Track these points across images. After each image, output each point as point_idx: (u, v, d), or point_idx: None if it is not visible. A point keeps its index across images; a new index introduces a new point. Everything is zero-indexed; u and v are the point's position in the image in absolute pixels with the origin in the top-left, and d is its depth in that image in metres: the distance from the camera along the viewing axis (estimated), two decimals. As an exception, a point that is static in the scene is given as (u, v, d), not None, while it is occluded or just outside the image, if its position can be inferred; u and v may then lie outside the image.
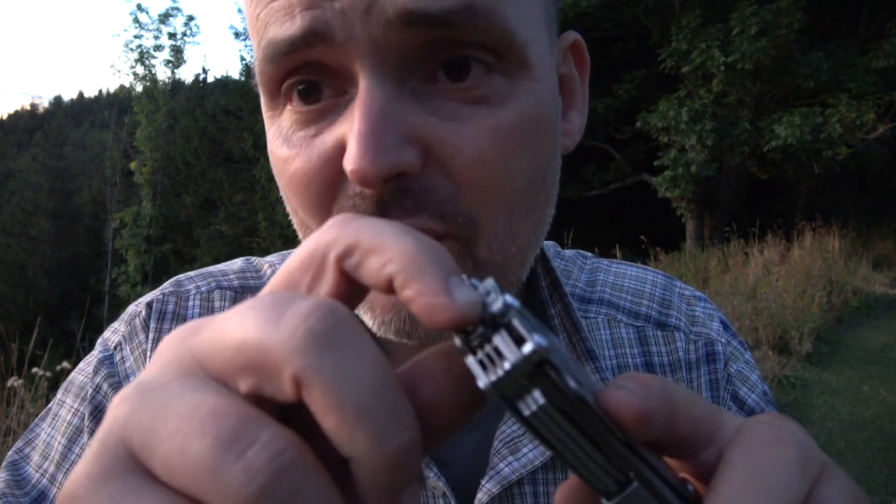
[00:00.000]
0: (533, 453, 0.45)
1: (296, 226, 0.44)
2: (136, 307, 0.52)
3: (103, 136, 34.50)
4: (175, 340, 0.22)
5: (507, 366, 0.20)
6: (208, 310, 0.51)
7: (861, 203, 11.73)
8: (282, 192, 0.42)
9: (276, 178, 0.41)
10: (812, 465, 0.23)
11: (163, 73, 27.29)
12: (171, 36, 27.04)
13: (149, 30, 28.48)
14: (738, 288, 6.65)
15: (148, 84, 25.91)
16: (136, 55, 26.27)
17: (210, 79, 36.27)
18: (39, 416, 0.52)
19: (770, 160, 10.11)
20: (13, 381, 2.44)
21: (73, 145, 36.62)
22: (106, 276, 25.99)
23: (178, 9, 42.31)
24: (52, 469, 0.48)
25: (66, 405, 0.50)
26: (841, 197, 12.10)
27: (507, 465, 0.45)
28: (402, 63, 0.35)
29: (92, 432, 0.46)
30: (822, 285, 6.87)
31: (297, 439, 0.19)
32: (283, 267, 0.23)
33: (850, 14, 11.29)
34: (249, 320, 0.20)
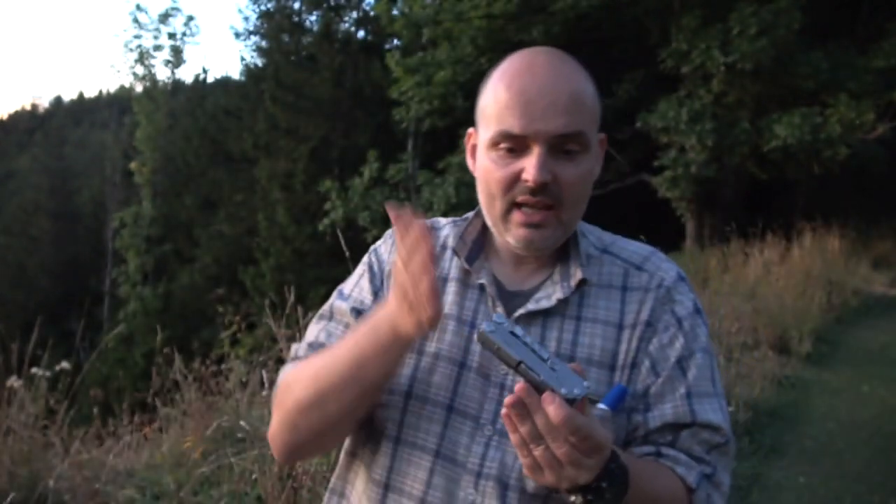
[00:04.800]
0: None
1: (485, 201, 0.90)
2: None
3: (103, 137, 34.42)
4: None
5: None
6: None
7: (861, 203, 11.73)
8: (481, 182, 0.89)
9: (480, 175, 0.89)
10: None
11: (162, 74, 27.22)
12: (171, 36, 27.00)
13: (148, 30, 28.40)
14: (738, 288, 6.65)
15: (148, 84, 25.89)
16: (135, 55, 26.26)
17: (210, 79, 36.16)
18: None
19: (770, 160, 10.10)
20: (13, 381, 2.44)
21: (73, 145, 36.59)
22: (106, 276, 25.94)
23: (177, 9, 42.26)
24: (352, 292, 0.98)
25: (356, 271, 1.02)
26: (841, 197, 12.10)
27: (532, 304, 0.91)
28: (550, 144, 0.83)
29: (371, 275, 0.99)
30: (821, 285, 6.88)
31: None
32: None
33: (850, 14, 11.28)
34: None
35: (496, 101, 0.85)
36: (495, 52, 11.89)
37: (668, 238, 10.06)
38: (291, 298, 3.22)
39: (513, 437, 0.69)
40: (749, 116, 9.60)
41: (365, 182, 14.00)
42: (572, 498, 0.71)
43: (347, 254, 3.20)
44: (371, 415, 0.89)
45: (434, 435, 0.86)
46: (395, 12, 13.73)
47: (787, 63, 9.02)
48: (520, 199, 0.84)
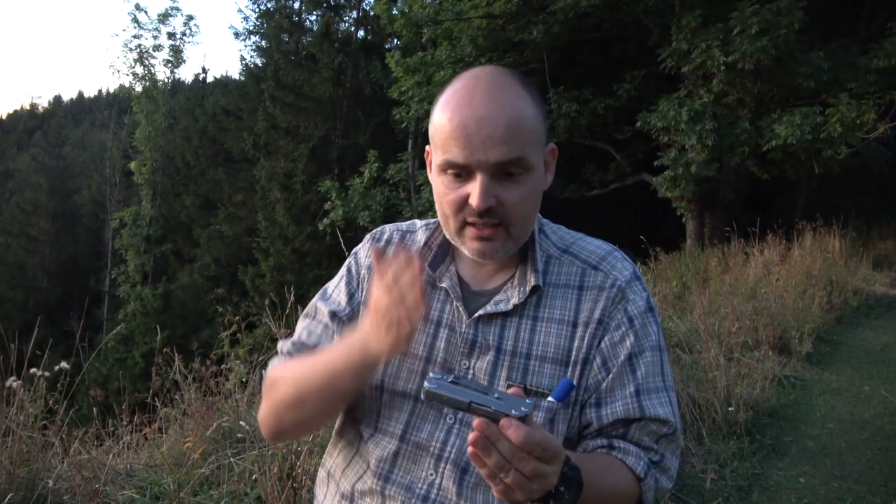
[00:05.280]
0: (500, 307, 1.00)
1: (441, 218, 0.99)
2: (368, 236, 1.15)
3: (103, 136, 34.43)
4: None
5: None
6: (387, 240, 1.12)
7: (861, 203, 11.72)
8: (437, 201, 0.97)
9: (435, 195, 0.97)
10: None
11: (162, 73, 27.24)
12: (171, 36, 27.03)
13: (148, 30, 28.43)
14: (739, 288, 6.64)
15: (147, 84, 25.89)
16: (135, 55, 26.26)
17: (210, 79, 36.19)
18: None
19: (770, 160, 10.09)
20: (12, 382, 2.43)
21: (72, 145, 36.56)
22: (106, 276, 25.95)
23: (177, 8, 42.24)
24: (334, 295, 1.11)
25: (340, 272, 1.13)
26: (841, 197, 12.09)
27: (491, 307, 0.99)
28: (492, 171, 0.90)
29: (349, 278, 1.11)
30: (822, 285, 6.87)
31: None
32: None
33: (851, 14, 11.27)
34: None
35: (441, 130, 0.92)
36: (495, 52, 11.90)
37: (668, 238, 10.06)
38: (291, 298, 3.22)
39: (483, 472, 0.74)
40: (749, 116, 9.58)
41: (365, 182, 14.00)
42: None
43: (347, 254, 3.20)
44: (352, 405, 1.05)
45: (401, 422, 0.98)
46: (395, 12, 13.73)
47: (788, 63, 9.00)
48: (469, 219, 0.93)
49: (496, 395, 0.73)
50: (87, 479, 2.31)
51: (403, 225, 1.13)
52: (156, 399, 3.23)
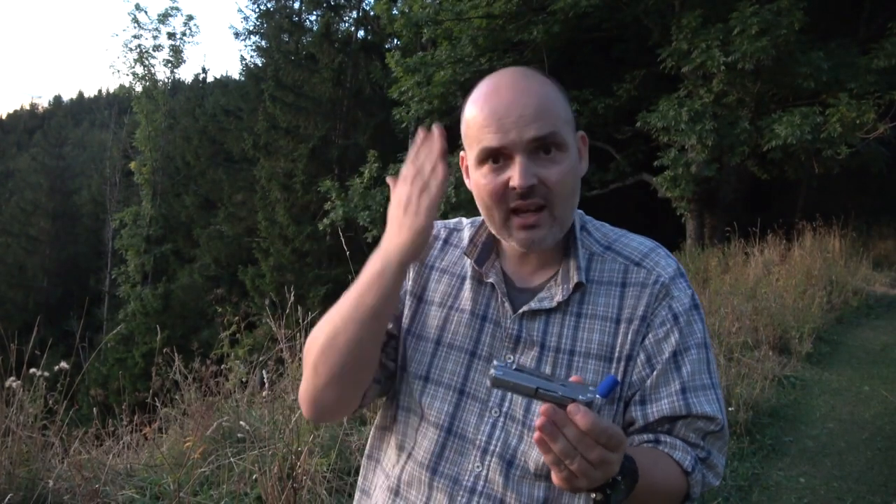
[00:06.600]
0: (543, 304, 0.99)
1: (484, 213, 0.98)
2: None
3: (103, 136, 34.42)
4: None
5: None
6: (434, 236, 1.09)
7: (861, 203, 11.71)
8: (478, 198, 0.97)
9: (476, 191, 0.97)
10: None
11: (162, 73, 27.24)
12: (171, 36, 27.02)
13: (148, 30, 28.43)
14: (739, 288, 6.64)
15: (147, 84, 25.87)
16: (135, 55, 26.25)
17: (210, 79, 36.17)
18: None
19: (770, 160, 10.09)
20: (12, 382, 2.43)
21: (72, 145, 36.52)
22: (106, 276, 25.93)
23: (177, 8, 42.25)
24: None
25: None
26: (841, 197, 12.09)
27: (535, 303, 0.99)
28: (529, 150, 0.91)
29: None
30: (822, 285, 6.87)
31: None
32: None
33: (851, 14, 11.27)
34: None
35: (473, 123, 0.95)
36: (495, 51, 11.90)
37: (668, 238, 10.05)
38: (291, 298, 3.22)
39: (547, 459, 0.74)
40: (749, 116, 9.58)
41: (365, 182, 13.99)
42: (593, 495, 0.79)
43: (348, 254, 3.20)
44: (398, 394, 1.05)
45: (447, 414, 0.98)
46: (395, 12, 13.72)
47: (788, 63, 9.00)
48: (513, 205, 0.93)
49: (560, 383, 0.75)
50: (87, 479, 2.31)
51: (451, 222, 1.13)
52: (156, 399, 3.23)
